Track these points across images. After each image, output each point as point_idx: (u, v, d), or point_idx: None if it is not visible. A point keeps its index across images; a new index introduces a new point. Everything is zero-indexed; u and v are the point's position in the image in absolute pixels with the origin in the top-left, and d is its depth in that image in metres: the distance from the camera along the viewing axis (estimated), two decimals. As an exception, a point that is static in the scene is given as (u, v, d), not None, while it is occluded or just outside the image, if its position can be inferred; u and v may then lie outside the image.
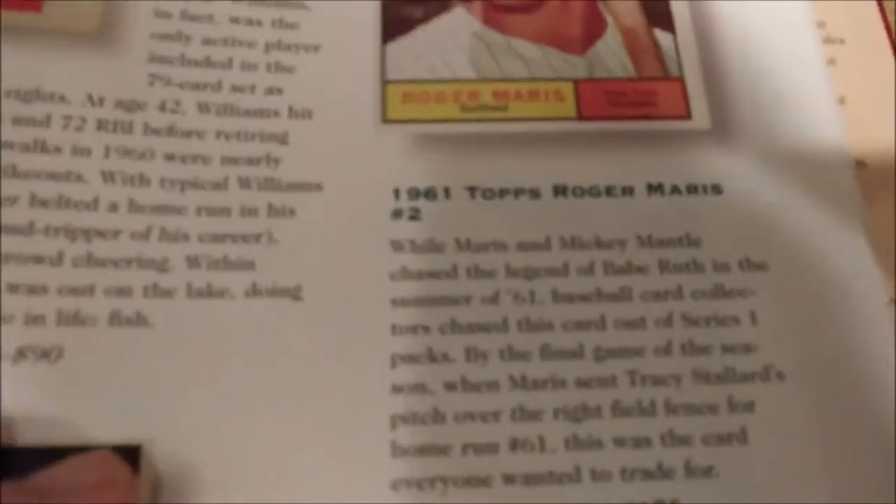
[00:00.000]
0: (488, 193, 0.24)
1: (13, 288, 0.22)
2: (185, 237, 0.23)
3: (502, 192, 0.24)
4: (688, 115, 0.26)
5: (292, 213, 0.24)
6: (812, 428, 0.22)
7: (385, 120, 0.25)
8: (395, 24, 0.26)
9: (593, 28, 0.27)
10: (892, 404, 0.22)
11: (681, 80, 0.26)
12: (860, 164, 0.25)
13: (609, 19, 0.27)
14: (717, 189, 0.25)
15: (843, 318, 0.23)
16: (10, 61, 0.24)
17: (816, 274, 0.24)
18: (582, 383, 0.22)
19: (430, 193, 0.24)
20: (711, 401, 0.22)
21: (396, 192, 0.24)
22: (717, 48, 0.27)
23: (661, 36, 0.27)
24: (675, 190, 0.25)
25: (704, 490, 0.21)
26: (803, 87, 0.26)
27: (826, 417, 0.22)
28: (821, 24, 0.27)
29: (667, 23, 0.27)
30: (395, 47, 0.26)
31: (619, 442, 0.22)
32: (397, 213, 0.24)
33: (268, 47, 0.26)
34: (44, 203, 0.23)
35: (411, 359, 0.22)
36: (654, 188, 0.25)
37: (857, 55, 0.27)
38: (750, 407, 0.22)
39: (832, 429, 0.22)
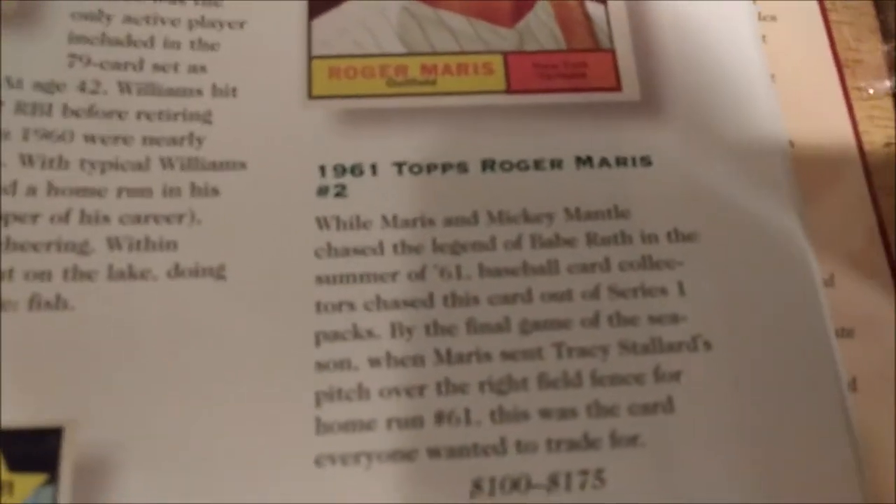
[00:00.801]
0: (415, 169, 0.24)
1: None
2: (106, 219, 0.23)
3: (430, 168, 0.24)
4: (618, 87, 0.25)
5: (216, 192, 0.23)
6: (738, 397, 0.22)
7: (311, 96, 0.25)
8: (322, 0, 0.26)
9: (524, 0, 0.27)
10: (820, 372, 0.22)
11: (611, 51, 0.26)
12: (790, 143, 0.25)
13: (540, -8, 0.27)
14: (646, 161, 0.25)
15: (771, 288, 0.23)
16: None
17: (745, 245, 0.24)
18: (507, 356, 0.22)
19: (356, 170, 0.24)
20: (638, 371, 0.22)
21: (322, 169, 0.24)
22: (649, 21, 0.26)
23: (593, 7, 0.26)
24: (605, 162, 0.25)
25: (630, 459, 0.21)
26: (736, 62, 0.26)
27: (752, 387, 0.22)
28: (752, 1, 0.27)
29: (598, -6, 0.27)
30: (321, 22, 0.26)
31: (545, 413, 0.22)
32: (323, 191, 0.24)
33: (191, 24, 0.25)
34: None
35: (336, 336, 0.22)
36: (583, 161, 0.25)
37: (789, 33, 0.27)
38: (676, 376, 0.22)
39: (758, 398, 0.22)
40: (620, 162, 0.25)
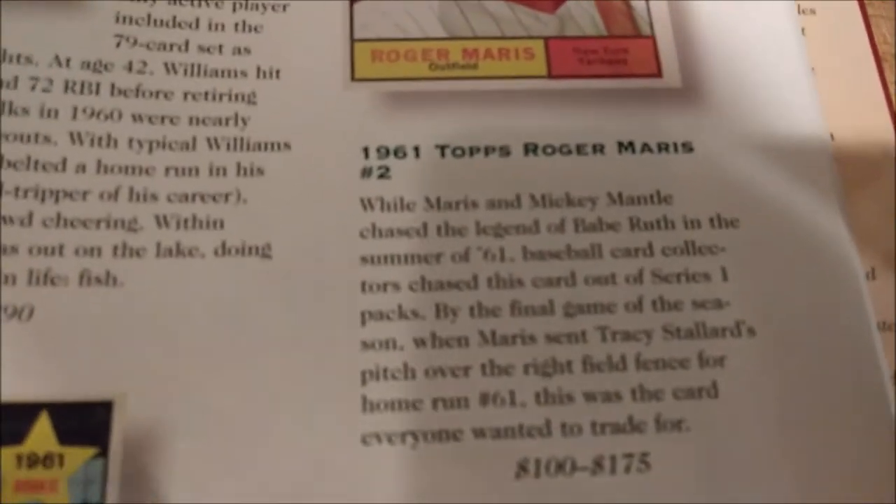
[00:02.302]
0: (458, 152, 0.24)
1: None
2: (154, 197, 0.23)
3: (472, 151, 0.24)
4: (658, 74, 0.25)
5: (261, 172, 0.24)
6: (782, 383, 0.22)
7: (354, 79, 0.25)
8: (364, -16, 0.26)
9: (565, -13, 0.27)
10: (863, 362, 0.22)
11: (652, 38, 0.26)
12: (830, 136, 0.25)
13: (580, -22, 0.27)
14: (687, 147, 0.25)
15: (813, 278, 0.23)
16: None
17: (787, 232, 0.24)
18: (552, 339, 0.22)
19: (399, 152, 0.24)
20: (682, 356, 0.22)
21: (366, 151, 0.24)
22: (688, 8, 0.26)
23: (633, -6, 0.27)
24: (646, 147, 0.25)
25: (674, 443, 0.21)
26: (776, 53, 0.26)
27: (796, 374, 0.22)
28: None
29: (638, -18, 0.27)
30: (363, 6, 0.26)
31: (590, 396, 0.22)
32: (367, 172, 0.24)
33: (235, 7, 0.25)
34: (12, 164, 0.23)
35: (381, 315, 0.22)
36: (625, 146, 0.25)
37: (828, 26, 0.27)
38: (720, 361, 0.22)
39: (802, 386, 0.22)
40: (662, 148, 0.25)
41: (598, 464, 0.21)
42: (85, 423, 0.21)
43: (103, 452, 0.21)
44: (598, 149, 0.25)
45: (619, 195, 0.24)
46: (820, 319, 0.23)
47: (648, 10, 0.26)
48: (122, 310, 0.22)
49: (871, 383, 0.22)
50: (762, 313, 0.23)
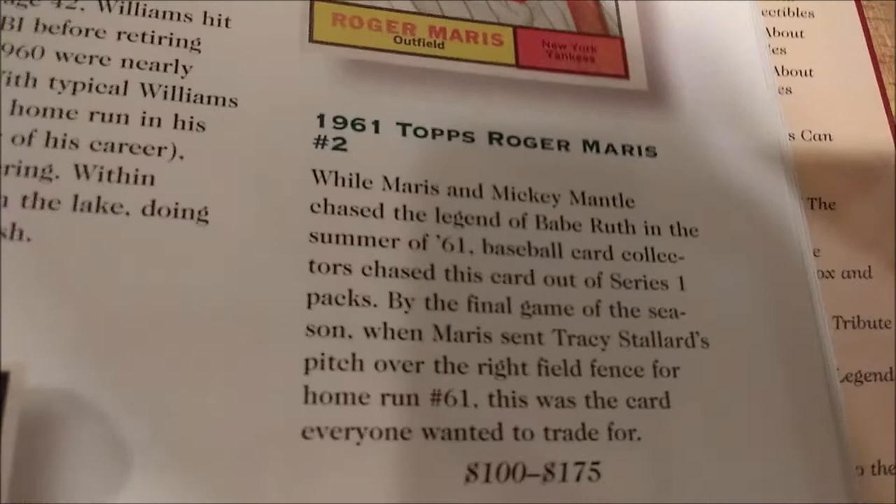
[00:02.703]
0: (420, 132, 0.23)
1: None
2: (74, 144, 0.20)
3: (435, 133, 0.23)
4: (625, 75, 0.25)
5: (201, 127, 0.21)
6: (733, 395, 0.22)
7: (312, 40, 0.23)
8: (328, -59, 0.24)
9: (536, -24, 0.26)
10: (812, 371, 0.23)
11: (620, 39, 0.25)
12: (825, 138, 0.26)
13: (552, -30, 0.26)
14: (651, 151, 0.24)
15: (768, 288, 0.23)
16: None
17: (744, 242, 0.24)
18: (508, 338, 0.21)
19: (357, 124, 0.22)
20: (637, 364, 0.22)
21: (321, 119, 0.22)
22: (657, 12, 0.26)
23: (603, -6, 0.26)
24: (611, 149, 0.24)
25: (627, 452, 0.21)
26: (740, 60, 0.26)
27: (748, 385, 0.22)
28: None
29: (609, -19, 0.26)
30: (327, -36, 0.24)
31: (544, 401, 0.21)
32: (321, 141, 0.22)
33: (183, -57, 0.23)
34: None
35: (330, 299, 0.20)
36: (590, 145, 0.24)
37: (826, 29, 0.28)
38: (674, 372, 0.22)
39: (753, 397, 0.22)
40: (627, 150, 0.24)
41: (549, 470, 0.20)
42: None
43: (-6, 429, 0.18)
44: (563, 145, 0.24)
45: (583, 194, 0.23)
46: (772, 328, 0.23)
47: (617, 10, 0.26)
48: (28, 268, 0.19)
49: (819, 388, 0.22)
50: (716, 325, 0.22)
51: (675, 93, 0.25)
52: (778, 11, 0.28)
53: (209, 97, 0.21)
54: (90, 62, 0.21)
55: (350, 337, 0.20)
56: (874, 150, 0.26)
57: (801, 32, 0.27)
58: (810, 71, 0.27)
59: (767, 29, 0.27)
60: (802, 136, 0.26)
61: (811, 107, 0.26)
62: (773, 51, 0.27)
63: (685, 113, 0.25)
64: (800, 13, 0.28)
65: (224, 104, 0.21)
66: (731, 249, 0.23)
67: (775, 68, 0.27)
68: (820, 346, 0.23)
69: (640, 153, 0.24)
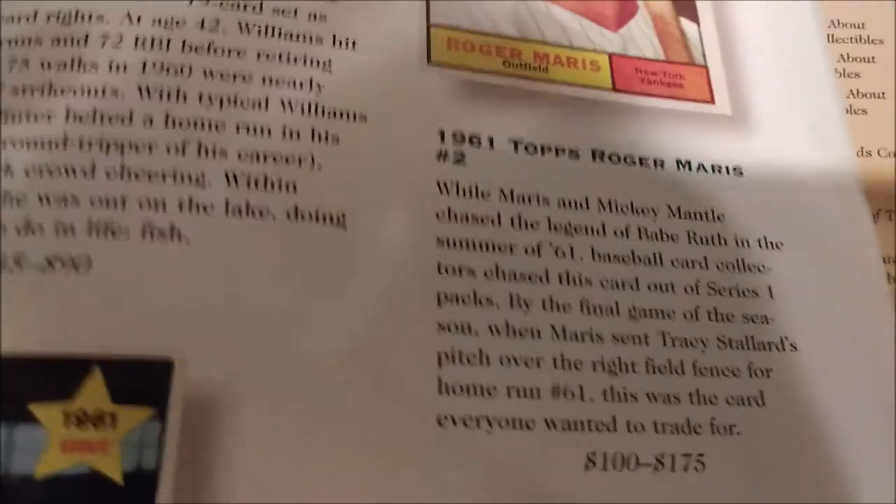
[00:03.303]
0: (531, 148, 0.25)
1: (45, 199, 0.20)
2: (223, 153, 0.22)
3: (544, 149, 0.25)
4: (711, 100, 0.27)
5: (336, 140, 0.23)
6: (822, 395, 0.23)
7: (430, 62, 0.25)
8: (440, -28, 0.26)
9: (626, 9, 0.28)
10: (890, 374, 0.24)
11: (705, 67, 0.27)
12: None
13: (640, 4, 0.28)
14: (737, 171, 0.26)
15: (847, 296, 0.25)
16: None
17: (824, 254, 0.25)
18: (617, 339, 0.23)
19: (474, 140, 0.24)
20: (733, 364, 0.23)
21: (441, 134, 0.24)
22: (737, 41, 0.28)
23: (687, 25, 0.28)
24: (701, 167, 0.26)
25: (728, 446, 0.22)
26: (811, 82, 0.28)
27: (836, 386, 0.24)
28: (860, 25, 0.30)
29: (692, 13, 0.28)
30: (440, -7, 0.26)
31: (652, 397, 0.22)
32: (442, 155, 0.24)
33: (312, -28, 0.25)
34: (78, 118, 0.21)
35: (457, 299, 0.22)
36: (683, 164, 0.26)
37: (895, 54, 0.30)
38: (767, 373, 0.23)
39: (842, 396, 0.24)
40: (715, 169, 0.26)
41: (659, 461, 0.22)
42: (142, 381, 0.19)
43: (161, 414, 0.19)
44: (659, 163, 0.25)
45: (678, 209, 0.25)
46: (853, 335, 0.24)
47: (701, 39, 0.28)
48: (186, 266, 0.20)
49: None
50: (803, 330, 0.24)
51: (756, 116, 0.27)
52: (850, 38, 0.30)
53: (341, 112, 0.23)
54: (234, 79, 0.23)
55: (477, 333, 0.22)
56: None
57: (873, 58, 0.30)
58: (883, 93, 0.29)
59: (842, 55, 0.30)
60: (879, 153, 0.28)
61: (885, 126, 0.28)
62: (847, 75, 0.29)
63: (766, 135, 0.27)
64: (871, 40, 0.30)
65: (355, 119, 0.23)
66: (814, 261, 0.25)
67: (850, 91, 0.29)
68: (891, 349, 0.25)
69: (727, 172, 0.26)
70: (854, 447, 0.23)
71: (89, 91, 0.22)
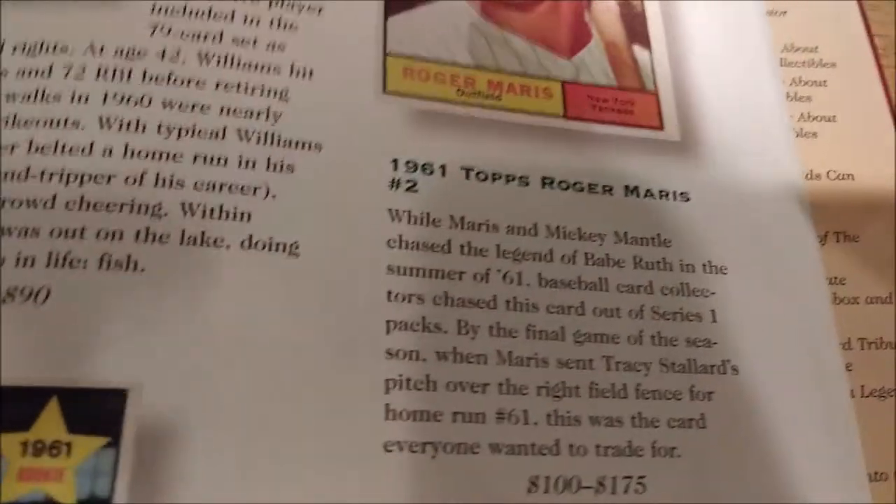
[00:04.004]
0: (482, 176, 0.25)
1: (7, 231, 0.21)
2: (180, 184, 0.22)
3: (494, 177, 0.25)
4: (661, 127, 0.28)
5: (291, 169, 0.23)
6: (765, 417, 0.24)
7: (385, 91, 0.25)
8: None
9: (580, 36, 0.28)
10: (832, 389, 0.25)
11: (655, 94, 0.28)
12: (848, 177, 0.29)
13: (594, 31, 0.29)
14: (685, 196, 0.27)
15: (790, 319, 0.26)
16: (18, 18, 0.24)
17: (768, 277, 0.26)
18: (562, 363, 0.24)
19: (427, 168, 0.25)
20: (676, 388, 0.24)
21: (395, 163, 0.25)
22: (687, 69, 0.29)
23: (639, 52, 0.29)
24: (649, 193, 0.27)
25: (669, 469, 0.23)
26: (761, 108, 0.29)
27: (776, 407, 0.24)
28: (813, 49, 0.31)
29: (644, 40, 0.29)
30: (397, 21, 0.26)
31: (595, 420, 0.23)
32: (395, 184, 0.24)
33: (271, 3, 0.25)
34: (40, 149, 0.22)
35: (406, 326, 0.23)
36: (631, 190, 0.26)
37: (847, 78, 0.31)
38: (709, 396, 0.24)
39: (781, 417, 0.24)
40: (663, 195, 0.27)
41: (601, 483, 0.22)
42: (97, 411, 0.20)
43: (115, 443, 0.20)
44: (608, 189, 0.26)
45: (625, 234, 0.26)
46: (797, 357, 0.25)
47: (652, 66, 0.29)
48: (142, 296, 0.21)
49: (839, 406, 0.25)
50: (745, 353, 0.25)
51: (704, 142, 0.28)
52: (803, 63, 0.31)
53: (297, 142, 0.24)
54: (192, 109, 0.23)
55: (424, 360, 0.22)
56: (893, 186, 0.29)
57: (825, 81, 0.30)
58: (833, 116, 0.30)
59: (794, 78, 0.30)
60: (828, 175, 0.29)
61: (835, 149, 0.29)
62: (799, 98, 0.30)
63: (714, 160, 0.28)
64: (822, 63, 0.31)
65: (310, 148, 0.24)
66: (758, 284, 0.26)
67: (801, 114, 0.30)
68: (840, 368, 0.26)
69: (674, 198, 0.27)
70: (799, 470, 0.24)
71: (51, 122, 0.22)
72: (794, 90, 0.30)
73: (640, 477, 0.23)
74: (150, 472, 0.20)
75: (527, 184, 0.26)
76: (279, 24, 0.25)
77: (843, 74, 0.31)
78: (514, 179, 0.26)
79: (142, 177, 0.22)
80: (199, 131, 0.23)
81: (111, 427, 0.20)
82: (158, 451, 0.20)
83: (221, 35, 0.24)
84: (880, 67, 0.31)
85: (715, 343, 0.25)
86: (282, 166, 0.23)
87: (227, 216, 0.22)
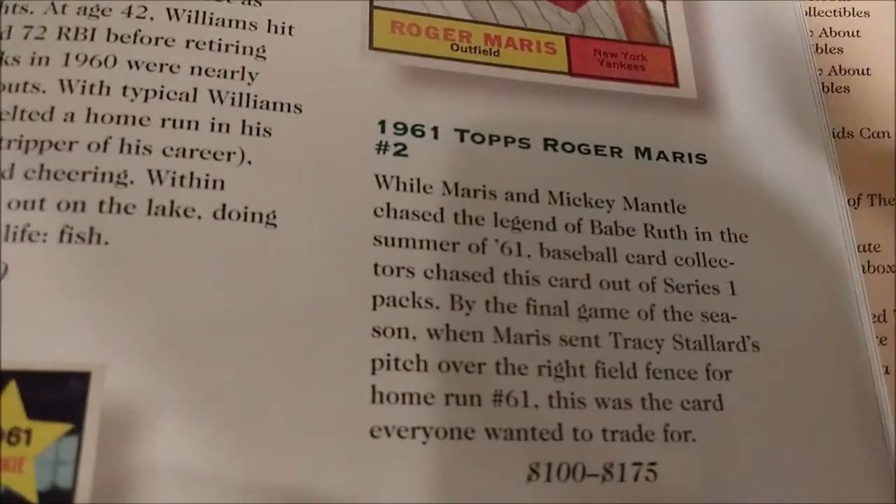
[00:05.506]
0: (478, 138, 0.23)
1: None
2: (148, 150, 0.21)
3: (492, 139, 0.23)
4: (675, 84, 0.25)
5: (268, 133, 0.22)
6: (785, 398, 0.22)
7: (372, 47, 0.23)
8: (386, -50, 0.25)
9: (587, -15, 0.26)
10: (859, 374, 0.23)
11: (669, 48, 0.26)
12: (884, 135, 0.26)
13: (602, -21, 0.27)
14: (701, 158, 0.25)
15: (814, 293, 0.24)
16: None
17: (792, 249, 0.24)
18: (566, 341, 0.22)
19: (417, 130, 0.23)
20: (690, 367, 0.22)
21: (382, 125, 0.23)
22: (705, 21, 0.27)
23: (652, 3, 0.26)
24: (662, 155, 0.24)
25: (682, 454, 0.21)
26: (786, 62, 0.27)
27: (799, 388, 0.22)
28: None
29: (657, -10, 0.27)
30: (386, -27, 0.24)
31: (601, 402, 0.21)
32: (382, 147, 0.22)
33: (246, -47, 0.23)
34: None
35: (394, 301, 0.21)
36: (642, 152, 0.24)
37: (883, 28, 0.28)
38: (726, 375, 0.22)
39: (804, 398, 0.22)
40: (678, 157, 0.24)
41: (607, 470, 0.21)
42: (58, 396, 0.18)
43: (77, 430, 0.18)
44: (616, 152, 0.24)
45: (635, 200, 0.24)
46: (820, 335, 0.23)
47: (666, 18, 0.26)
48: (106, 271, 0.19)
49: (867, 394, 0.23)
50: (766, 329, 0.23)
51: (723, 100, 0.26)
52: (833, 11, 0.28)
53: (275, 103, 0.22)
54: (160, 70, 0.22)
55: (414, 338, 0.21)
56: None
57: (858, 32, 0.28)
58: (867, 70, 0.27)
59: (824, 29, 0.28)
60: (861, 133, 0.27)
61: (869, 105, 0.27)
62: (829, 50, 0.28)
63: (733, 120, 0.25)
64: (855, 13, 0.28)
65: (289, 110, 0.22)
66: (780, 254, 0.24)
67: (833, 68, 0.27)
68: (865, 351, 0.23)
69: (690, 160, 0.25)
70: (824, 455, 0.22)
71: (9, 87, 0.21)
72: (823, 42, 0.28)
73: (651, 463, 0.21)
74: (116, 461, 0.18)
75: (527, 146, 0.23)
76: (256, -23, 0.23)
77: (877, 24, 0.28)
78: (513, 142, 0.23)
79: (106, 143, 0.20)
80: (168, 93, 0.21)
81: (73, 413, 0.18)
82: (124, 439, 0.18)
83: (192, -11, 0.23)
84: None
85: (733, 318, 0.23)
86: (258, 130, 0.22)
87: (199, 184, 0.21)
